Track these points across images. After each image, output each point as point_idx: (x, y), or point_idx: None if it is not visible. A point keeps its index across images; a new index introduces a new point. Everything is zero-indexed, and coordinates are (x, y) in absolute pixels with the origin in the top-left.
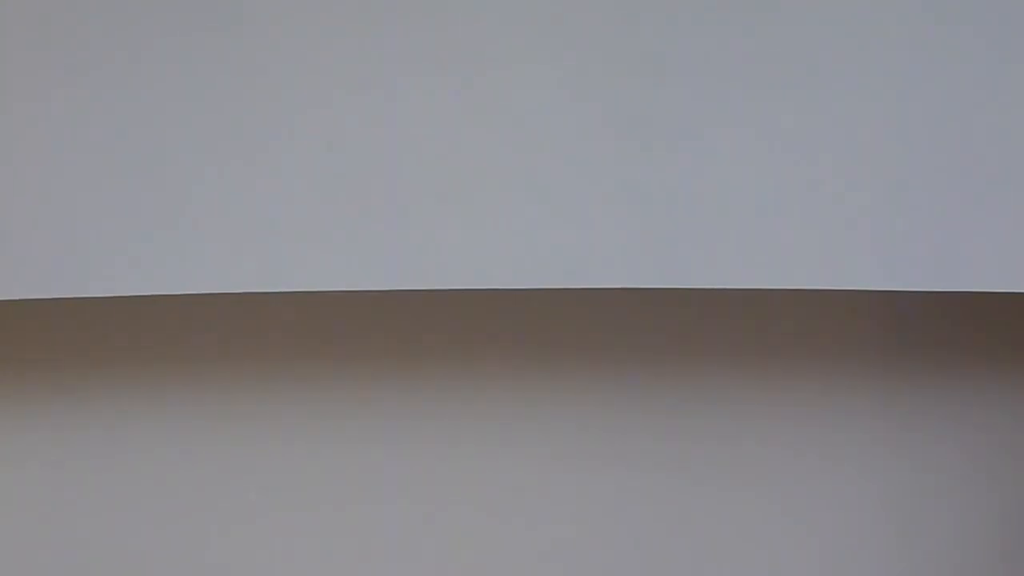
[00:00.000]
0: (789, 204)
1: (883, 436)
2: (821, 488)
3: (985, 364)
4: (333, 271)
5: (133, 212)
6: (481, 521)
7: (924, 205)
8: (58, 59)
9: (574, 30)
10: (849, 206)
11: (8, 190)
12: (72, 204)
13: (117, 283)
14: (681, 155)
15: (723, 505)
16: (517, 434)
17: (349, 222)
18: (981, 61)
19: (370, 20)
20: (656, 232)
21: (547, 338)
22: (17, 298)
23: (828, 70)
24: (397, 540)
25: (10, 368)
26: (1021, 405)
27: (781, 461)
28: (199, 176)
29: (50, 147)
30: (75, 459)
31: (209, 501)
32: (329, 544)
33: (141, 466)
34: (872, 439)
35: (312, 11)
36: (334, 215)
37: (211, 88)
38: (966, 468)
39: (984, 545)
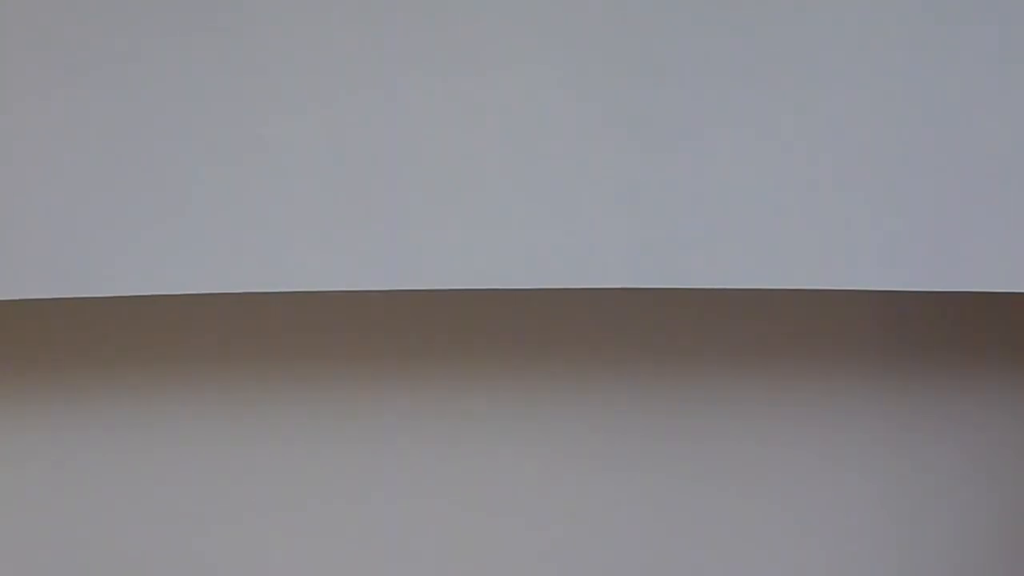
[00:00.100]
0: (789, 204)
1: (883, 436)
2: (821, 488)
3: (985, 364)
4: (333, 271)
5: (133, 212)
6: (481, 521)
7: (924, 205)
8: (58, 59)
9: (574, 30)
10: (849, 206)
11: (8, 190)
12: (72, 204)
13: (117, 283)
14: (681, 155)
15: (723, 505)
16: (517, 434)
17: (349, 222)
18: (981, 61)
19: (370, 20)
20: (656, 232)
21: (547, 338)
22: (17, 298)
23: (828, 70)
24: (397, 540)
25: (10, 368)
26: (1021, 405)
27: (781, 461)
28: (199, 176)
29: (50, 147)
30: (75, 459)
31: (209, 501)
32: (329, 544)
33: (141, 466)
34: (872, 439)
35: (312, 11)
36: (334, 215)
37: (211, 88)
38: (966, 468)
39: (984, 545)
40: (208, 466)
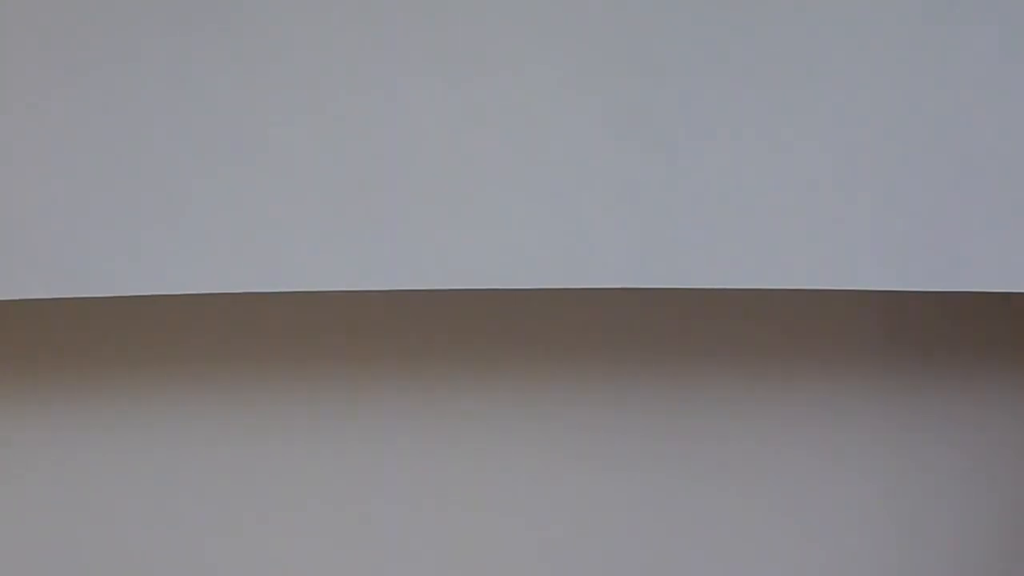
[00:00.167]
0: (789, 204)
1: (883, 436)
2: (821, 488)
3: (985, 364)
4: (333, 271)
5: (133, 212)
6: (481, 521)
7: (924, 205)
8: (58, 59)
9: (574, 30)
10: (849, 206)
11: (8, 190)
12: (72, 204)
13: (117, 283)
14: (681, 155)
15: (723, 505)
16: (517, 434)
17: (349, 222)
18: (981, 61)
19: (370, 20)
20: (656, 232)
21: (547, 338)
22: (17, 298)
23: (828, 70)
24: (397, 540)
25: (10, 368)
26: (1021, 405)
27: (781, 461)
28: (199, 176)
29: (50, 147)
30: (75, 459)
31: (209, 501)
32: (329, 544)
33: (141, 466)
34: (872, 439)
35: (312, 11)
36: (334, 215)
37: (211, 88)
38: (966, 468)
39: (984, 545)
40: (208, 466)
